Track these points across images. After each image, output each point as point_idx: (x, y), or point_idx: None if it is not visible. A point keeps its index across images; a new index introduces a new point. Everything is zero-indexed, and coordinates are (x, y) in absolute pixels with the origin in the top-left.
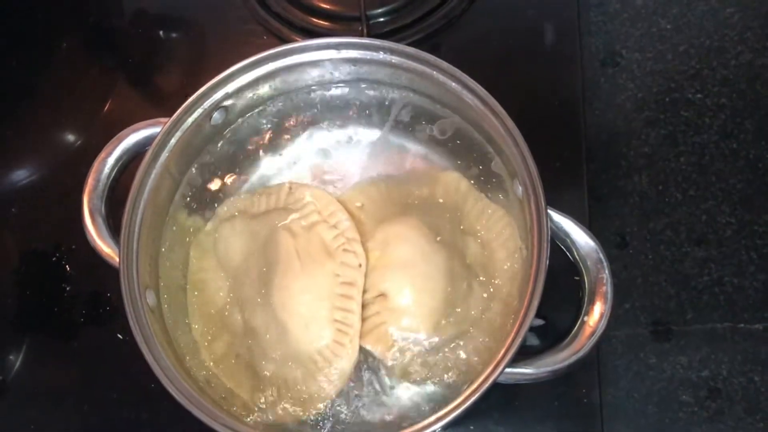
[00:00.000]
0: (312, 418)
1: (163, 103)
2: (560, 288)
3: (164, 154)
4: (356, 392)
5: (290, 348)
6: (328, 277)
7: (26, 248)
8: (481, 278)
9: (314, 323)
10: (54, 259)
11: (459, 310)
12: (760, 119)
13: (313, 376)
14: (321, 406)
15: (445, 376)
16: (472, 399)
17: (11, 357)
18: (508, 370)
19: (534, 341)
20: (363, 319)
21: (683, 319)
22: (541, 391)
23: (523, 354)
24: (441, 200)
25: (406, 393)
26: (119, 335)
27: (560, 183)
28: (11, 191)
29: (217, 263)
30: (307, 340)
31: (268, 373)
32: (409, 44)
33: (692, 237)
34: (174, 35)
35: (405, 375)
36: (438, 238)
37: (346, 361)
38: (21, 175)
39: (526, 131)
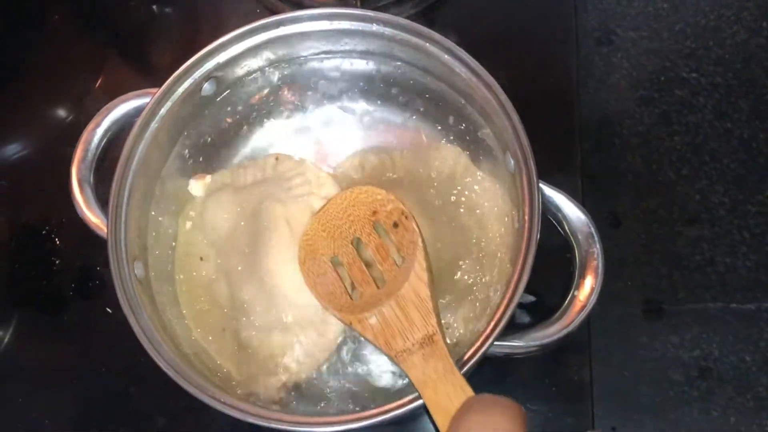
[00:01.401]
0: (299, 385)
1: (156, 79)
2: (552, 267)
3: (154, 125)
4: (343, 362)
5: (279, 317)
6: None
7: (16, 222)
8: (471, 251)
9: (304, 290)
10: (44, 232)
11: (448, 282)
12: (754, 99)
13: (301, 344)
14: (308, 373)
15: None
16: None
17: (0, 332)
18: (497, 343)
19: (525, 318)
20: None
21: (675, 298)
22: (531, 370)
23: (514, 330)
24: (433, 174)
25: (393, 364)
26: (108, 309)
27: (554, 162)
28: (2, 165)
29: (204, 235)
30: (297, 308)
31: (256, 343)
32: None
33: (685, 216)
34: (167, 10)
35: None
36: (428, 212)
37: (335, 328)
38: (12, 150)
39: (519, 110)
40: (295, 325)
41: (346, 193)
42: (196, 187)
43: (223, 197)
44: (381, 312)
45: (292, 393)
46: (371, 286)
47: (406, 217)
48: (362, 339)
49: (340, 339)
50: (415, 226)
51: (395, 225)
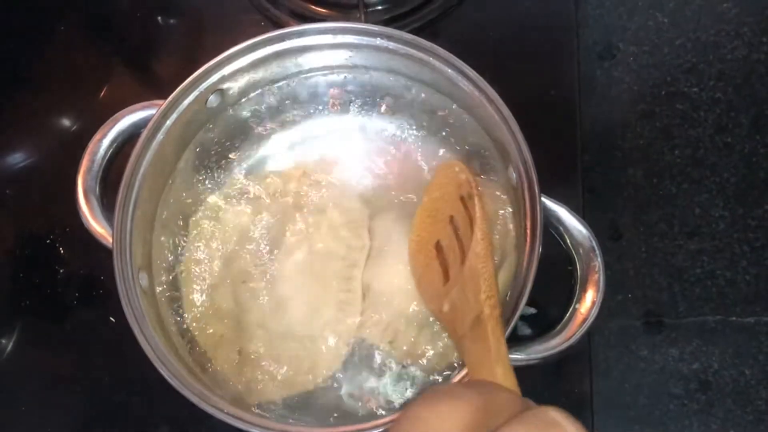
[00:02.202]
0: (303, 395)
1: (161, 90)
2: (554, 280)
3: (160, 136)
4: (348, 376)
5: (292, 328)
6: (335, 260)
7: (20, 230)
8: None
9: (319, 304)
10: (48, 241)
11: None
12: (754, 114)
13: (312, 355)
14: (316, 383)
15: (438, 358)
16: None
17: (3, 339)
18: None
19: (526, 331)
20: None
21: (675, 311)
22: (531, 382)
23: (515, 342)
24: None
25: (396, 376)
26: (111, 318)
27: (555, 175)
28: (6, 174)
29: (214, 245)
30: (312, 321)
31: (265, 354)
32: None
33: (685, 230)
34: (172, 21)
35: (399, 357)
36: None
37: (347, 338)
38: (17, 159)
39: (521, 123)
40: (308, 337)
41: (438, 172)
42: (213, 197)
43: (240, 208)
44: (451, 297)
45: (295, 403)
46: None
47: (473, 187)
48: (371, 356)
49: (345, 353)
50: (477, 196)
51: (469, 197)
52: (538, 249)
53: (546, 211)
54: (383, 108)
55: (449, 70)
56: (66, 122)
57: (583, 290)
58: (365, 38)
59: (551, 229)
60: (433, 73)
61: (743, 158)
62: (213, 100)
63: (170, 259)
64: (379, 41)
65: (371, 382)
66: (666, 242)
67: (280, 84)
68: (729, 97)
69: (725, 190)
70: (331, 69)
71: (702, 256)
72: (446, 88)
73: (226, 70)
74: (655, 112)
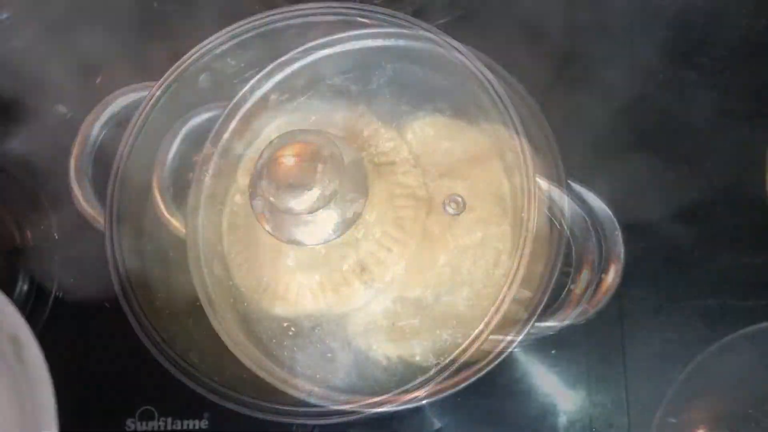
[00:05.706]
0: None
1: (157, 73)
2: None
3: (152, 117)
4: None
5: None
6: None
7: (15, 217)
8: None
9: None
10: (42, 227)
11: (444, 264)
12: (755, 95)
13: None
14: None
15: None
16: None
17: None
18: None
19: (522, 315)
20: None
21: (674, 294)
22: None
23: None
24: (415, 150)
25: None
26: (106, 303)
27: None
28: (1, 161)
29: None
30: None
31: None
32: None
33: (684, 212)
34: (168, 7)
35: (397, 337)
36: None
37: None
38: (12, 144)
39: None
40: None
41: None
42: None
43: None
44: None
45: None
46: None
47: None
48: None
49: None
50: None
51: None
52: (532, 231)
53: (541, 192)
54: (376, 88)
55: (439, 50)
56: (62, 109)
57: (578, 272)
58: (359, 19)
59: (546, 210)
60: (423, 51)
61: (743, 140)
62: (206, 80)
63: (163, 241)
64: (370, 22)
65: (365, 366)
66: (665, 225)
67: (271, 64)
68: (726, 81)
69: (725, 173)
70: (323, 48)
71: (701, 240)
72: (440, 68)
73: (219, 50)
74: (653, 94)
